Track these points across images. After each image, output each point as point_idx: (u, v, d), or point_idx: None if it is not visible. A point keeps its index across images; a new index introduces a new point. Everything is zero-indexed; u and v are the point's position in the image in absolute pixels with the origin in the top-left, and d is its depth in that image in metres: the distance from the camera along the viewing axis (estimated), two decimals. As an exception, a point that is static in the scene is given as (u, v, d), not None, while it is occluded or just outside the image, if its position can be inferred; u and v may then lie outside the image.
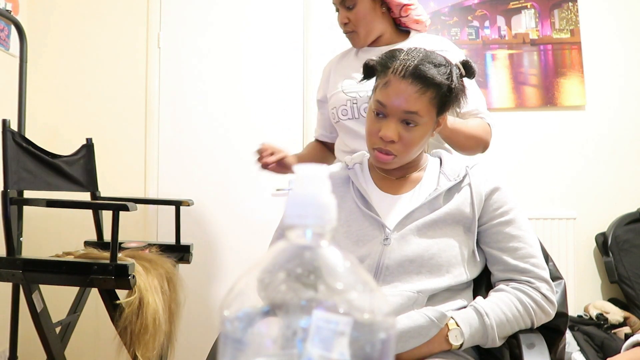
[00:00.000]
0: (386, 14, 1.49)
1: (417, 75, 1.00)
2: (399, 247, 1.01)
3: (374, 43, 1.52)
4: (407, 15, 1.49)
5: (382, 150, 1.05)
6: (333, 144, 1.66)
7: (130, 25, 2.77)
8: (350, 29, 1.49)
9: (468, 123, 1.35)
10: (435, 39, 1.52)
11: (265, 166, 1.53)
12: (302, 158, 1.65)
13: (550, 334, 1.07)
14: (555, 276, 1.13)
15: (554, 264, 1.16)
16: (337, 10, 1.51)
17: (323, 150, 1.74)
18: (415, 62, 1.01)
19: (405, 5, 1.47)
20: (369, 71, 1.10)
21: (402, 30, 1.55)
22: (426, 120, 1.03)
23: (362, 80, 1.13)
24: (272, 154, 1.53)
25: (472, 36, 2.77)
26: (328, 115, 1.60)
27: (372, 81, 1.11)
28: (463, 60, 1.09)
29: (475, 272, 1.06)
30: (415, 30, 1.55)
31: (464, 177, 1.07)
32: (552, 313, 1.03)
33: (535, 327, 1.02)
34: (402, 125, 1.03)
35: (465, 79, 1.09)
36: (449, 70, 1.03)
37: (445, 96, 1.03)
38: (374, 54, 1.19)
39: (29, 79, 2.31)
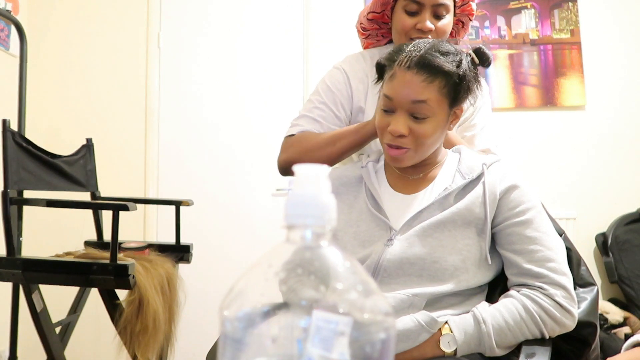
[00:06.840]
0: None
1: (423, 64, 0.96)
2: (400, 249, 0.96)
3: None
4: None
5: (392, 145, 0.99)
6: None
7: (130, 25, 2.77)
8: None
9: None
10: None
11: None
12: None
13: (576, 345, 1.01)
14: (587, 282, 1.05)
15: (587, 269, 1.08)
16: (414, 13, 1.21)
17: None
18: (422, 52, 0.97)
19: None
20: (380, 72, 1.05)
21: None
22: (437, 111, 0.97)
23: (375, 82, 1.07)
24: None
25: (472, 36, 2.77)
26: (341, 122, 1.29)
27: None
28: (476, 47, 1.04)
29: (487, 277, 1.00)
30: None
31: (480, 174, 1.01)
32: (569, 323, 0.94)
33: (547, 337, 0.93)
34: (411, 118, 0.97)
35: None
36: (458, 58, 0.98)
37: (456, 85, 0.98)
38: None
39: (29, 79, 2.31)
